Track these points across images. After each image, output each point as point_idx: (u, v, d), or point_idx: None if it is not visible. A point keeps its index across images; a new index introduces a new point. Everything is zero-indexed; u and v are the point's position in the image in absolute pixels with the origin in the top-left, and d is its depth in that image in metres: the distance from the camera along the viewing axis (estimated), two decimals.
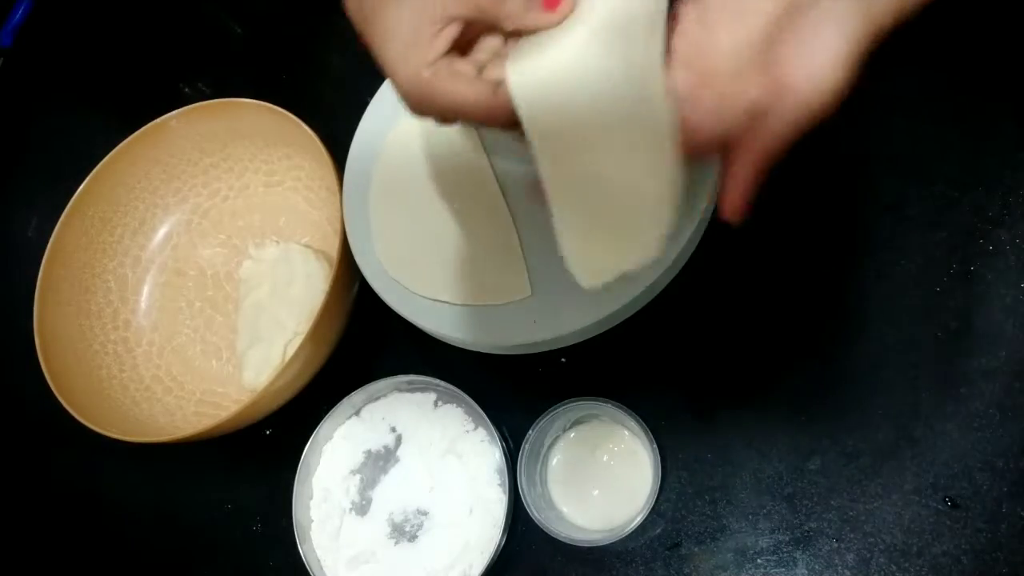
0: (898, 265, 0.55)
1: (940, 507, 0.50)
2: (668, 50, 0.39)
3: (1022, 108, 0.55)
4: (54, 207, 0.69)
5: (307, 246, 0.68)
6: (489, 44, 0.42)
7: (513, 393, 0.60)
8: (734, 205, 0.39)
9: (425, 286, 0.56)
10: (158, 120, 0.69)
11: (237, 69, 0.82)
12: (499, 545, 0.55)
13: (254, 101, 0.67)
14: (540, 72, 0.38)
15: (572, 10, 0.39)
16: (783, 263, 0.58)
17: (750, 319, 0.57)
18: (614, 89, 0.38)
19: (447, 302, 0.55)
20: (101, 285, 0.71)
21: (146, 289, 0.73)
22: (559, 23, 0.39)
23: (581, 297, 0.51)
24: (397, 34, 0.39)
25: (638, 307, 0.51)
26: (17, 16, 0.91)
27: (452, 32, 0.39)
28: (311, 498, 0.61)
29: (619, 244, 0.42)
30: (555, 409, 0.54)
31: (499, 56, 0.42)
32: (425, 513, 0.59)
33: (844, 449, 0.53)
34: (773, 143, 0.37)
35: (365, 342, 0.65)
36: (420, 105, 0.41)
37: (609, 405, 0.54)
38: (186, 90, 0.83)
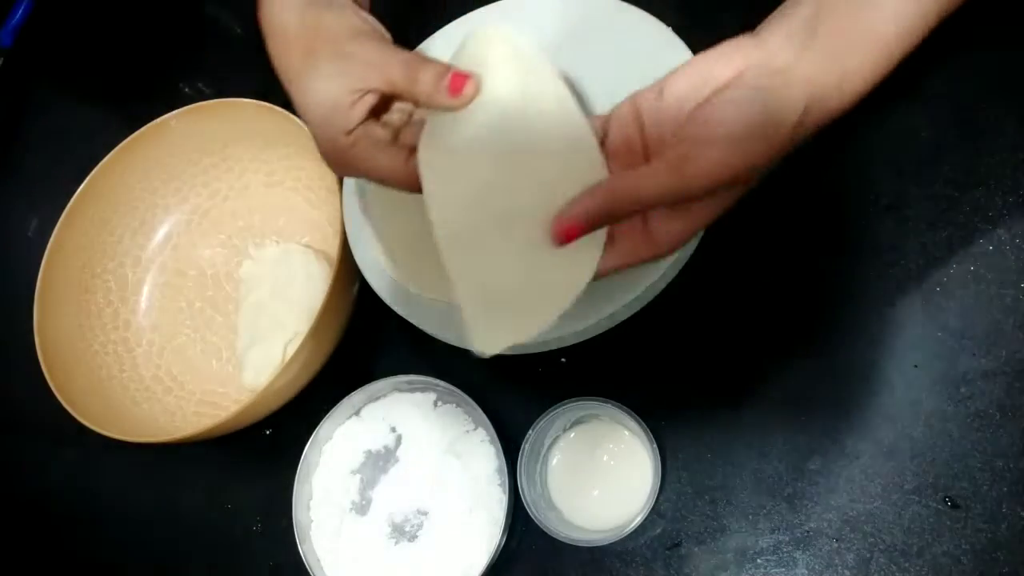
0: (898, 265, 0.55)
1: (940, 507, 0.50)
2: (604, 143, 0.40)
3: (1022, 108, 0.56)
4: (54, 207, 0.69)
5: (307, 246, 0.68)
6: (402, 105, 0.44)
7: (513, 393, 0.60)
8: (563, 224, 0.39)
9: (425, 286, 0.55)
10: (158, 120, 0.69)
11: (237, 69, 0.82)
12: (499, 545, 0.55)
13: (254, 101, 0.67)
14: (444, 159, 0.40)
15: (476, 94, 0.41)
16: (783, 263, 0.58)
17: (749, 319, 0.57)
18: (513, 181, 0.40)
19: (447, 302, 0.55)
20: (101, 285, 0.71)
21: (146, 289, 0.73)
22: (465, 106, 0.41)
23: (581, 297, 0.51)
24: (318, 101, 0.41)
25: (638, 307, 0.51)
26: (17, 16, 0.90)
27: (369, 102, 0.41)
28: (311, 498, 0.61)
29: (517, 318, 0.42)
30: (555, 409, 0.54)
31: (412, 120, 0.44)
32: (425, 513, 0.59)
33: (844, 449, 0.53)
34: (632, 193, 0.37)
35: (365, 342, 0.65)
36: (339, 167, 0.43)
37: (609, 405, 0.54)
38: (186, 90, 0.82)
